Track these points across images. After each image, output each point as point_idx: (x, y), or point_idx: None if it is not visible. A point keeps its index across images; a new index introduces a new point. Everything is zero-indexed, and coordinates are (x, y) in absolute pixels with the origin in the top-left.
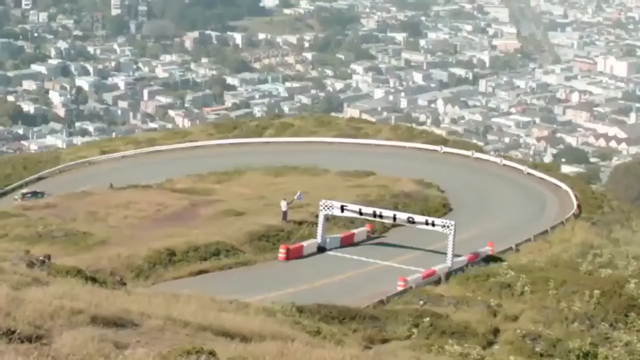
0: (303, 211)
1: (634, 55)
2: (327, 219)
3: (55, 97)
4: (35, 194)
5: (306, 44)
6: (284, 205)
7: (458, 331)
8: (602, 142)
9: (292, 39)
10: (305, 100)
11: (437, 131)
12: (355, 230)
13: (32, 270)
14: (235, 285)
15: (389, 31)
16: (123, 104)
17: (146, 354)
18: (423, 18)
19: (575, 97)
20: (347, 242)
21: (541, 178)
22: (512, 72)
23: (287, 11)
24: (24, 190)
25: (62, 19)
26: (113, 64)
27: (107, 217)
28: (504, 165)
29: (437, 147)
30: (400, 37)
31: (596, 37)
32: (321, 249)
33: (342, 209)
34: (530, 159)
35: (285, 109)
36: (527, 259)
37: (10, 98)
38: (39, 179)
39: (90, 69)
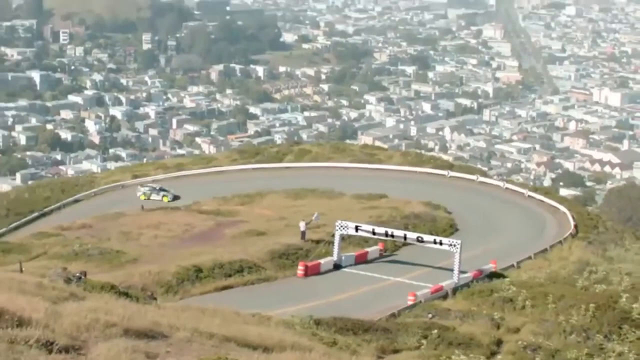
0: (320, 231)
1: (627, 86)
2: (343, 238)
3: (90, 126)
4: (162, 190)
5: (323, 76)
6: (302, 226)
7: (464, 342)
8: (597, 167)
9: (310, 71)
10: (322, 128)
11: (445, 157)
12: (368, 249)
13: (69, 286)
14: (258, 300)
15: (400, 64)
16: (153, 131)
17: None
18: (431, 52)
19: (572, 126)
20: (361, 260)
21: (541, 200)
22: (513, 102)
23: (305, 46)
24: (152, 187)
25: (97, 53)
26: (144, 94)
27: (138, 237)
28: (507, 188)
29: (445, 172)
30: (410, 69)
31: (592, 70)
32: (337, 266)
33: (357, 229)
34: (531, 183)
35: (304, 136)
36: (527, 275)
37: (49, 126)
38: (76, 201)
39: (123, 100)
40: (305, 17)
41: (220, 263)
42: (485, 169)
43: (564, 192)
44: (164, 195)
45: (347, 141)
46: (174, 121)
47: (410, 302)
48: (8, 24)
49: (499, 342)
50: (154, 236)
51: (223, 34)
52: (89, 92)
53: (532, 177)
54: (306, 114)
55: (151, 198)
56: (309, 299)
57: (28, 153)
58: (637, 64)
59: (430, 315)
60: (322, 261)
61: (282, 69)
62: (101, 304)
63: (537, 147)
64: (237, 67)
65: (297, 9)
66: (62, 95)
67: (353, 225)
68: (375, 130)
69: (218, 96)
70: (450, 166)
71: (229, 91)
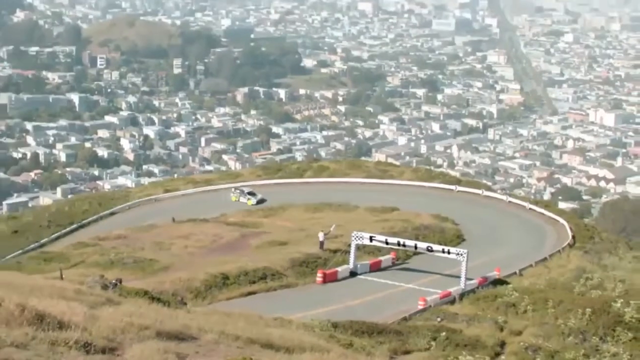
0: (337, 241)
1: (621, 108)
2: (358, 247)
3: (125, 144)
4: (249, 194)
5: (340, 98)
6: (321, 236)
7: (470, 344)
8: (593, 182)
9: (328, 94)
10: (339, 146)
11: (452, 173)
12: (382, 258)
13: (106, 292)
14: (279, 305)
15: (411, 87)
16: (183, 149)
17: None
18: (440, 76)
19: (570, 144)
20: (375, 268)
21: (541, 213)
22: (516, 122)
23: (323, 70)
24: (242, 190)
25: (132, 77)
26: (175, 115)
27: (170, 247)
28: (510, 202)
29: (452, 187)
30: (420, 92)
31: (588, 93)
32: (353, 274)
33: (371, 239)
34: (532, 197)
35: (322, 153)
36: (529, 282)
37: (88, 144)
38: (112, 214)
39: (156, 120)
40: (323, 43)
41: (245, 271)
42: (489, 183)
43: (562, 205)
44: (249, 199)
45: (362, 158)
46: (203, 140)
47: (420, 307)
48: (49, 50)
49: (502, 344)
50: (184, 246)
51: (248, 60)
52: (124, 113)
53: (533, 191)
54: (324, 133)
55: (240, 200)
56: (327, 304)
57: (68, 169)
58: (630, 87)
59: (439, 319)
60: (339, 269)
61: (302, 91)
62: (135, 308)
63: (538, 163)
64: (261, 89)
65: (316, 36)
66: (99, 115)
67: (368, 235)
68: (388, 148)
69: (243, 117)
70: (457, 181)
71: (253, 112)
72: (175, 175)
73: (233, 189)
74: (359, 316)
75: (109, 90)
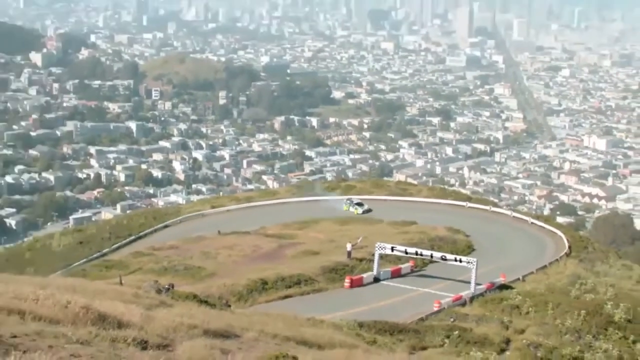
0: (363, 251)
1: (611, 134)
2: (381, 256)
3: (177, 166)
4: (357, 204)
5: (365, 126)
6: (349, 247)
7: (479, 341)
8: (587, 200)
9: (355, 122)
10: (364, 167)
11: (463, 191)
12: (402, 265)
13: (160, 296)
14: (312, 307)
15: (427, 116)
16: (228, 170)
17: (245, 357)
18: (453, 106)
19: (567, 166)
20: (396, 274)
21: (541, 226)
22: (519, 147)
23: (350, 101)
24: (352, 201)
25: (182, 107)
26: (220, 140)
27: (216, 256)
28: (514, 217)
29: (463, 203)
30: (435, 120)
31: (582, 121)
32: (376, 280)
33: (392, 249)
34: (533, 212)
35: (349, 174)
36: (530, 286)
37: (144, 166)
38: (165, 227)
39: (203, 144)
40: (350, 77)
41: (282, 277)
42: (496, 200)
43: (560, 219)
44: (356, 208)
45: (385, 178)
46: (245, 162)
47: (435, 309)
48: (110, 83)
49: (507, 341)
50: (228, 255)
51: (284, 92)
52: (175, 139)
53: (534, 207)
54: (351, 156)
55: (350, 209)
56: (354, 306)
57: (126, 188)
58: (619, 115)
59: (452, 319)
60: (364, 275)
61: (332, 119)
62: (186, 310)
63: (539, 183)
64: (296, 118)
65: (344, 71)
66: (154, 141)
67: (389, 246)
68: (407, 170)
69: (280, 142)
70: (468, 198)
71: (288, 138)
72: (221, 193)
73: (345, 200)
74: (381, 317)
75: (162, 118)
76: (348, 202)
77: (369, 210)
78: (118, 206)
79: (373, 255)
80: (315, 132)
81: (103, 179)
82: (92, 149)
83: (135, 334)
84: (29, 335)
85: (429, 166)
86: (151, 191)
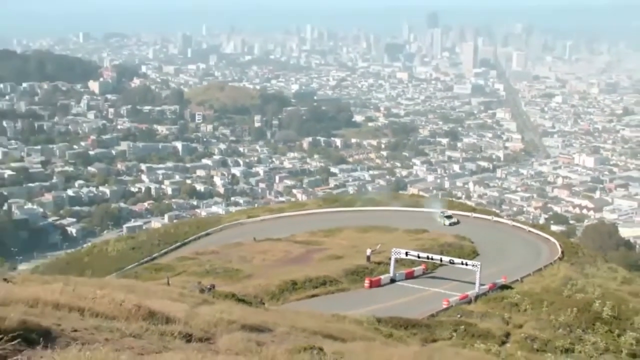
0: (380, 256)
1: (599, 153)
2: (396, 260)
3: (217, 180)
4: (447, 216)
5: (382, 146)
6: (368, 252)
7: (483, 334)
8: (577, 210)
9: (373, 142)
10: (382, 182)
11: (469, 203)
12: (415, 268)
13: (203, 295)
14: (336, 305)
15: (437, 137)
16: (262, 185)
17: (277, 349)
18: (460, 129)
19: (560, 181)
20: (409, 276)
21: (537, 234)
22: (518, 164)
23: (370, 124)
24: (445, 213)
25: (222, 129)
26: (255, 158)
27: (252, 260)
28: (513, 225)
29: (469, 214)
30: (444, 141)
31: (573, 141)
32: (392, 281)
33: (406, 254)
34: (530, 221)
35: (369, 188)
36: (528, 287)
37: (188, 181)
38: (207, 234)
39: (241, 162)
40: (370, 103)
41: (309, 278)
42: (498, 211)
43: (554, 228)
44: (444, 220)
45: (400, 192)
46: (277, 177)
47: (444, 306)
48: (159, 108)
49: (507, 334)
50: (262, 259)
51: (311, 116)
52: (216, 157)
53: (531, 217)
54: (370, 172)
55: (439, 220)
56: (373, 304)
57: (173, 200)
58: (605, 137)
59: (459, 315)
60: (382, 277)
61: (353, 140)
62: (225, 307)
63: (535, 196)
64: (322, 139)
65: (364, 98)
66: (197, 159)
67: (404, 251)
68: (419, 184)
69: (308, 160)
70: (473, 209)
71: (315, 156)
72: (256, 205)
73: (440, 212)
74: (397, 313)
75: (204, 139)
76: (441, 214)
77: (456, 223)
78: (166, 216)
79: (389, 259)
80: (339, 151)
81: (152, 192)
82: (143, 166)
83: (180, 328)
84: (88, 329)
85: (438, 181)
86: (195, 203)
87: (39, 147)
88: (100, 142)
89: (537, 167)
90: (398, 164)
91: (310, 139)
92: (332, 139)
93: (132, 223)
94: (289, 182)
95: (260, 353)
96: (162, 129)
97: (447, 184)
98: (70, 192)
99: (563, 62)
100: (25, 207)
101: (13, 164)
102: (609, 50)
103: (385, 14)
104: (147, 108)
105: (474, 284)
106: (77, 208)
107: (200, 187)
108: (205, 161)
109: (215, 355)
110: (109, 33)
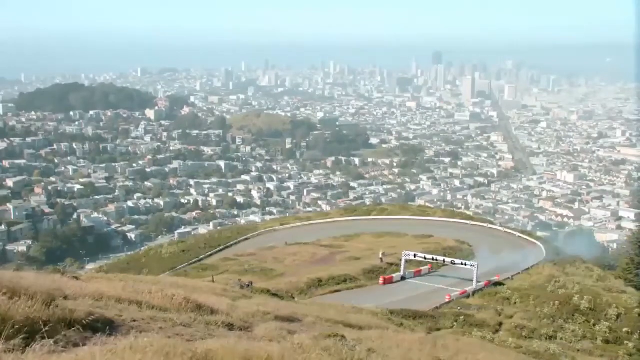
0: (393, 257)
1: (577, 170)
2: (406, 261)
3: (254, 194)
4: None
5: (394, 164)
6: (381, 254)
7: (479, 324)
8: (559, 219)
9: (387, 161)
10: (394, 195)
11: (468, 212)
12: (422, 268)
13: (242, 290)
14: (355, 298)
15: (441, 157)
16: (292, 197)
17: (306, 336)
18: (460, 149)
19: (544, 194)
20: (417, 274)
21: (526, 239)
22: (509, 179)
23: (384, 146)
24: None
25: (259, 150)
26: (287, 175)
27: (284, 260)
28: (505, 231)
29: (468, 222)
30: (447, 160)
31: (556, 160)
32: (403, 278)
33: (415, 255)
34: (520, 228)
35: (383, 200)
36: (517, 283)
37: (230, 194)
38: (246, 239)
39: (274, 178)
40: (384, 128)
41: (333, 276)
42: (492, 220)
43: (539, 233)
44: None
45: (409, 203)
46: (305, 191)
47: (446, 300)
48: (205, 132)
49: (500, 324)
50: (293, 260)
51: (334, 139)
52: (254, 174)
53: (520, 224)
54: (384, 186)
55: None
56: (386, 298)
57: (217, 210)
58: (583, 156)
59: (459, 308)
60: (394, 275)
61: (370, 159)
62: (261, 300)
63: (524, 206)
64: (343, 158)
65: (379, 123)
66: (237, 175)
67: (412, 253)
68: (425, 197)
69: (331, 176)
70: (471, 218)
71: (338, 173)
72: (287, 214)
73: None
74: (406, 306)
75: (244, 158)
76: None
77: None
78: (211, 224)
79: (400, 260)
80: (357, 168)
81: (200, 203)
82: (192, 181)
83: (223, 319)
84: (145, 319)
85: (442, 194)
86: (235, 212)
87: (103, 165)
88: (156, 161)
89: (525, 182)
90: (407, 180)
91: (333, 158)
92: (352, 158)
93: (182, 230)
94: (315, 195)
95: (291, 339)
96: (207, 150)
97: (449, 197)
98: (130, 203)
99: (547, 94)
100: (92, 216)
101: (82, 180)
102: (586, 83)
103: (396, 51)
104: (195, 132)
105: (472, 281)
106: (136, 217)
107: (240, 199)
108: (244, 177)
109: (253, 342)
110: (163, 68)
